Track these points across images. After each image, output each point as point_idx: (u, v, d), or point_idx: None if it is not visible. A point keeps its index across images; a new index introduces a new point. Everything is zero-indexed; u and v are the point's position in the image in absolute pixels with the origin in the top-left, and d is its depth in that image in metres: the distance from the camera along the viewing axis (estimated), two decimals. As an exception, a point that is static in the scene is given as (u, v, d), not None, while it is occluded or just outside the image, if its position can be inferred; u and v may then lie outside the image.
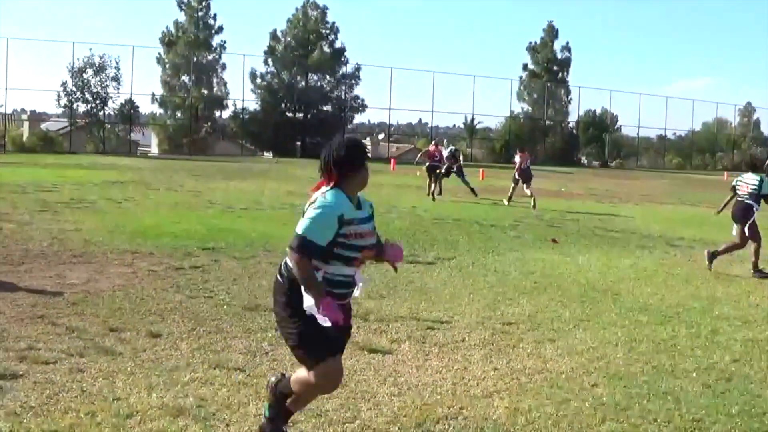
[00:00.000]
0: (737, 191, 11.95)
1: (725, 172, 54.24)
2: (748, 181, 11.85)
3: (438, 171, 24.58)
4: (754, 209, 11.66)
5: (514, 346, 7.00)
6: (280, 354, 6.28)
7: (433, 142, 27.15)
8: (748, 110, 75.92)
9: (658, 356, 6.91)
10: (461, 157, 26.22)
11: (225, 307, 7.81)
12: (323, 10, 57.69)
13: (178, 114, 55.51)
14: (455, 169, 24.73)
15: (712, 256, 11.79)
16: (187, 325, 7.02)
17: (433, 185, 24.02)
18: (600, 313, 8.48)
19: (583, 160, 63.53)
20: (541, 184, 31.44)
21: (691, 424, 5.27)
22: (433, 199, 22.93)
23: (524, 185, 22.15)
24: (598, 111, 65.08)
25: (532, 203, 21.15)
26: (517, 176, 22.50)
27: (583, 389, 5.87)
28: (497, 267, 11.10)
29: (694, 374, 6.41)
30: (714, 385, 6.15)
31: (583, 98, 68.40)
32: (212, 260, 10.35)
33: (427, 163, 24.98)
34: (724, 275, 11.41)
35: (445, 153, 25.39)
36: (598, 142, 64.15)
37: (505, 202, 22.26)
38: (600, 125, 64.12)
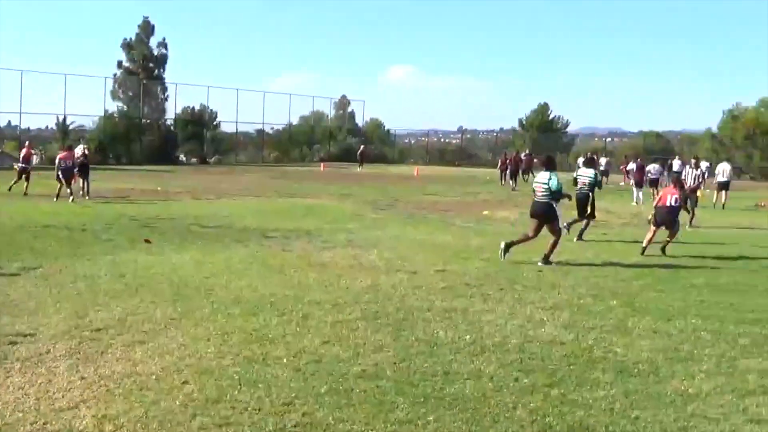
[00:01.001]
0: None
1: (321, 164, 57.61)
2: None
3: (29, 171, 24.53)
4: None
5: (103, 352, 6.80)
6: None
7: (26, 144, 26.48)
8: (343, 103, 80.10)
9: (250, 346, 7.14)
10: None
11: None
12: None
13: None
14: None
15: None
16: None
17: (16, 182, 24.26)
18: (192, 310, 8.54)
19: (182, 157, 63.10)
20: (138, 184, 30.91)
21: (281, 408, 5.52)
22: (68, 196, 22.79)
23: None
24: (197, 107, 65.13)
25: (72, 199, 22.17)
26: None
27: (173, 388, 5.88)
28: (87, 272, 10.65)
29: (285, 360, 6.72)
30: (304, 368, 6.49)
31: (181, 95, 67.80)
32: None
33: (20, 165, 24.97)
34: (317, 263, 12.09)
35: (78, 151, 24.60)
36: (198, 138, 64.26)
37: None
38: (199, 122, 64.26)
